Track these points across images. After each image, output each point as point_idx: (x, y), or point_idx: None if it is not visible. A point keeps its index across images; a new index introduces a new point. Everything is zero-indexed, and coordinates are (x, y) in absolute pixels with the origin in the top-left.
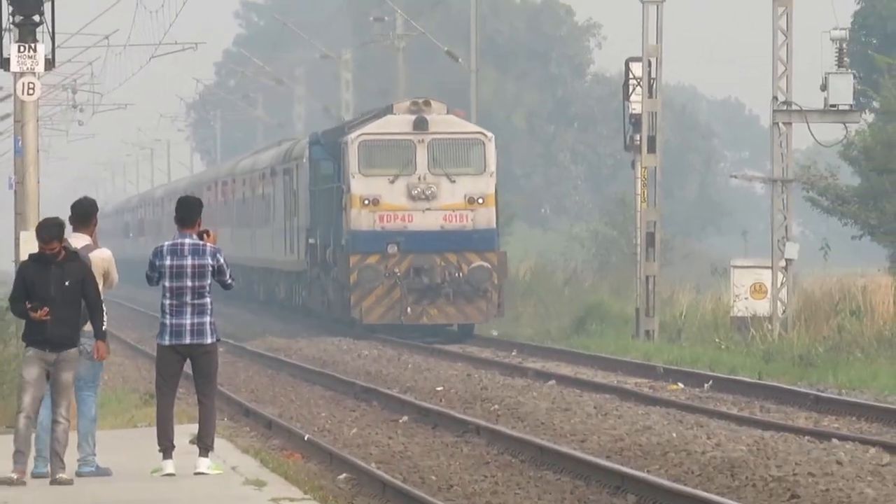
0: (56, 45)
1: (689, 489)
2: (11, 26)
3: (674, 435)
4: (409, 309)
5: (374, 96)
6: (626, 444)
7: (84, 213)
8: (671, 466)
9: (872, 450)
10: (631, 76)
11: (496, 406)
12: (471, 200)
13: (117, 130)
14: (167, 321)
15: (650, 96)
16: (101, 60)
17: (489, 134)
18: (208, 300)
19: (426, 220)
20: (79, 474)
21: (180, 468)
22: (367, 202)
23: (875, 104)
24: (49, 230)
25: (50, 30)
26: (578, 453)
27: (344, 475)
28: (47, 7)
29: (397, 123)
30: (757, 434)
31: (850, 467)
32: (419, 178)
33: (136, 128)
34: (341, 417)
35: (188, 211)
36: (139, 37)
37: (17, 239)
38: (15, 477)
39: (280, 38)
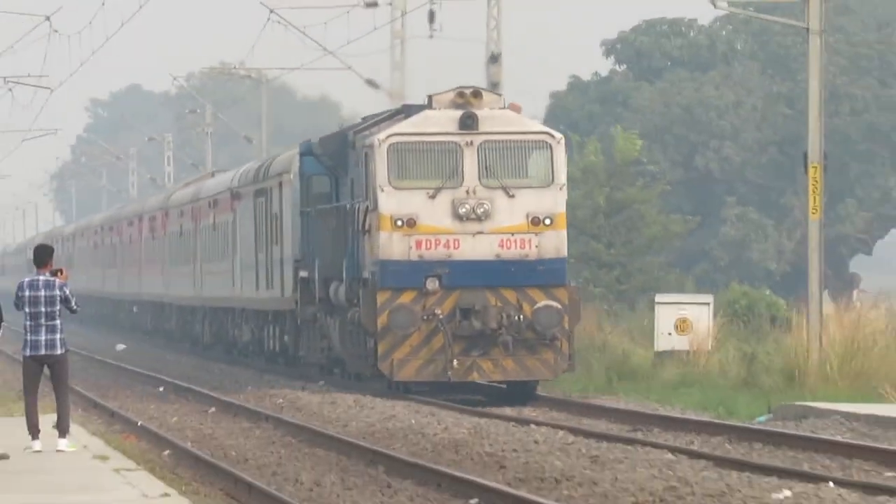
0: None
1: (423, 462)
2: None
3: (412, 421)
4: (454, 362)
5: (189, 168)
6: (377, 429)
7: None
8: (410, 445)
9: (561, 432)
10: None
11: (281, 400)
12: (535, 221)
13: None
14: (28, 338)
15: None
16: None
17: (557, 135)
18: (58, 321)
19: (477, 247)
20: None
21: (47, 446)
22: (399, 223)
23: None
24: None
25: None
26: (341, 435)
27: (167, 451)
28: None
29: (438, 121)
30: (475, 420)
31: (544, 445)
32: (468, 192)
33: (11, 193)
34: (166, 409)
35: (40, 256)
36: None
37: None
38: None
39: (119, 125)
